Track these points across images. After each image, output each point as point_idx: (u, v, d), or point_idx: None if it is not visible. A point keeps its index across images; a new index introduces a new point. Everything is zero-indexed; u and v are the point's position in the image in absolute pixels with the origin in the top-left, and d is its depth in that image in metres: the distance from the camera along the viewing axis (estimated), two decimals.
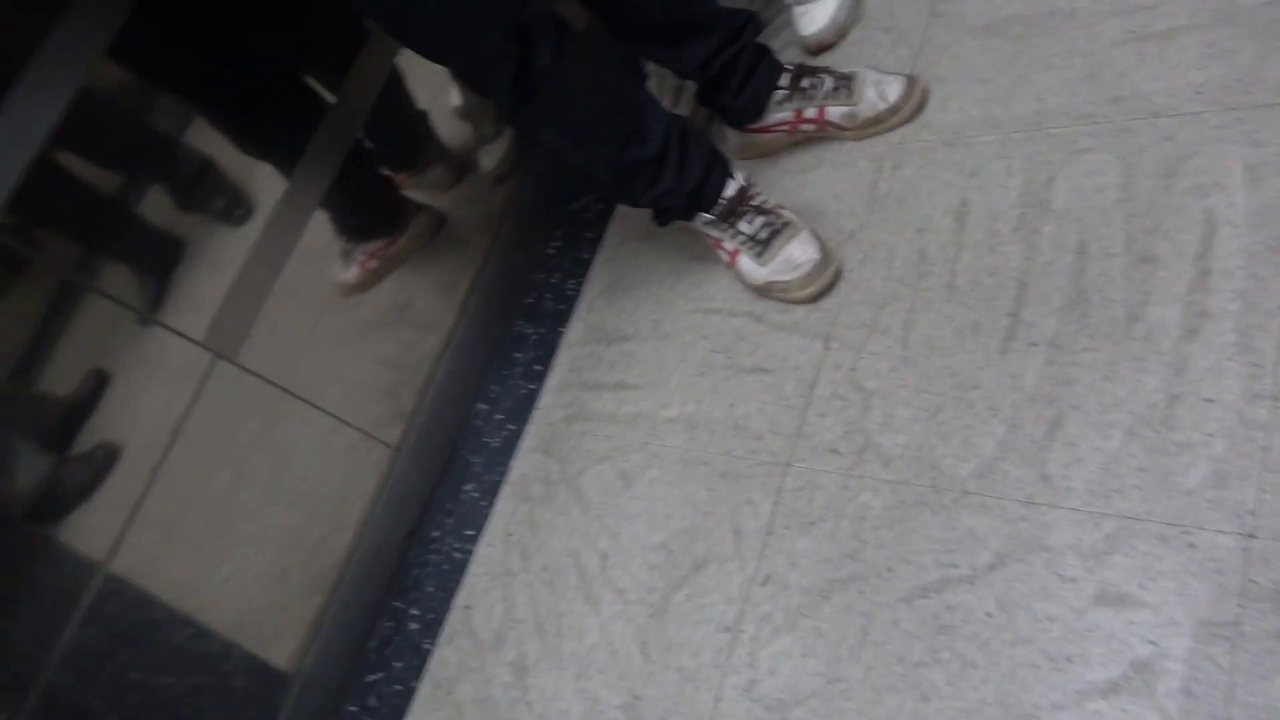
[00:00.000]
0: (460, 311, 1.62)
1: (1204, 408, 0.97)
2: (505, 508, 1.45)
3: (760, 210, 1.31)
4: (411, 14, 1.11)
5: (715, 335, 1.38)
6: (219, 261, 1.34)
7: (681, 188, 1.29)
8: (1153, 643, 0.90)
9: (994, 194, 1.24)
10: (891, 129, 1.38)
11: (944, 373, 1.15)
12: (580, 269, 1.63)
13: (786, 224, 1.31)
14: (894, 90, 1.36)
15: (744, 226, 1.31)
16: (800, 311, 1.31)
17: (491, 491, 1.47)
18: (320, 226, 1.45)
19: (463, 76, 1.21)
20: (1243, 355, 0.98)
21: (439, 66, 1.29)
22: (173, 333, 1.25)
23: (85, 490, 1.24)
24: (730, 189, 1.31)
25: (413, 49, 1.18)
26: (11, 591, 1.18)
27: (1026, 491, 1.03)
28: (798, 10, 1.55)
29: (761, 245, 1.31)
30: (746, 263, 1.33)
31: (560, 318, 1.59)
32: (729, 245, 1.34)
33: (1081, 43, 1.28)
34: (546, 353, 1.57)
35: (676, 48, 1.34)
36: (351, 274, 1.52)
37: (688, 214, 1.33)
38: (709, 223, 1.33)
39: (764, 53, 1.39)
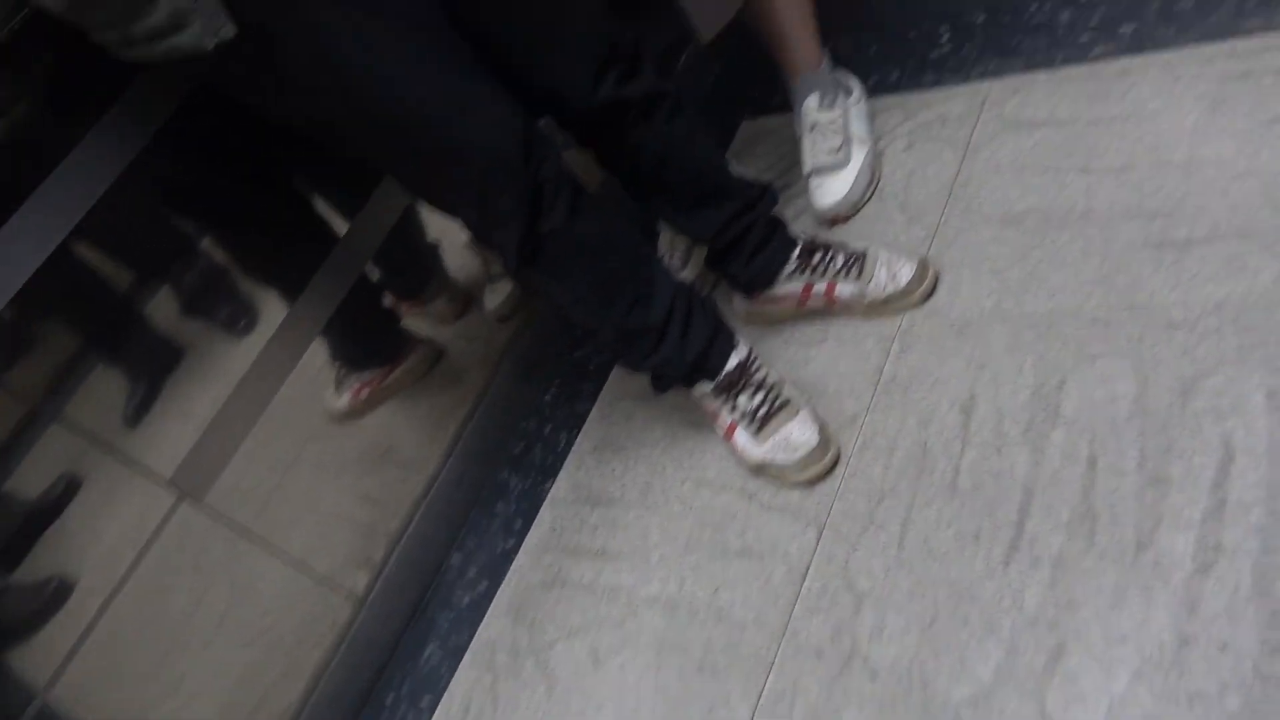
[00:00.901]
0: (447, 453, 1.58)
1: (1217, 656, 0.90)
2: (467, 676, 1.35)
3: (761, 386, 1.27)
4: (420, 167, 1.09)
5: (705, 510, 1.31)
6: (207, 380, 1.31)
7: (683, 357, 1.25)
8: None
9: (1003, 391, 1.19)
10: (901, 311, 1.35)
11: (941, 581, 1.08)
12: (574, 422, 1.58)
13: (786, 402, 1.27)
14: (905, 272, 1.33)
15: (743, 401, 1.27)
16: (795, 495, 1.25)
17: (455, 655, 1.38)
18: (316, 352, 1.42)
19: (468, 229, 1.18)
20: (1261, 600, 0.91)
21: None
22: (140, 469, 1.20)
23: (31, 620, 1.18)
24: (732, 361, 1.28)
25: (420, 199, 1.16)
26: None
27: None
28: (814, 181, 1.55)
29: (760, 423, 1.26)
30: (743, 438, 1.28)
31: (548, 472, 1.54)
32: (726, 418, 1.30)
33: (1097, 243, 1.26)
34: (530, 508, 1.50)
35: (691, 213, 1.33)
36: (343, 402, 1.48)
37: (688, 382, 1.29)
38: (707, 393, 1.29)
39: (777, 225, 1.38)
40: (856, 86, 1.61)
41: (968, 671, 1.00)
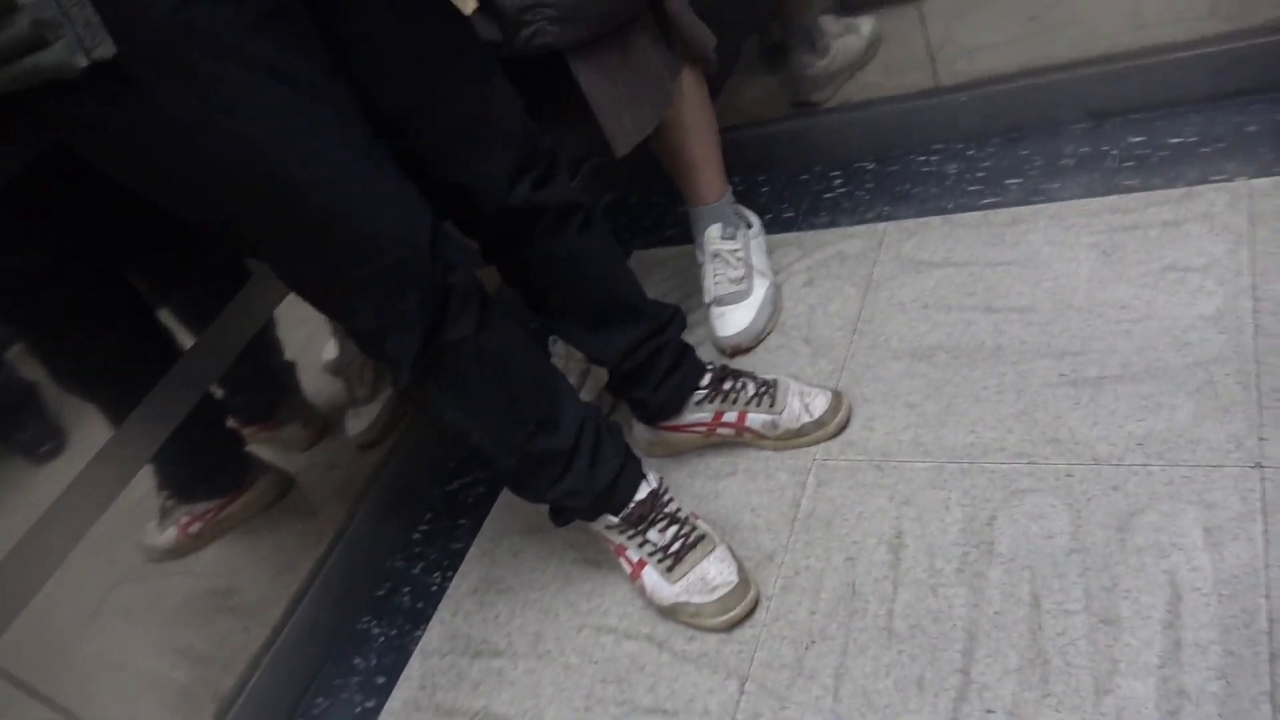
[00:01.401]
0: (296, 598, 1.36)
1: None
2: None
3: (673, 519, 1.16)
4: (317, 256, 0.93)
5: (607, 661, 1.16)
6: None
7: (591, 487, 1.12)
8: None
9: (931, 527, 1.12)
10: (814, 443, 1.28)
11: None
12: (450, 561, 1.40)
13: (702, 537, 1.15)
14: (819, 403, 1.28)
15: (654, 536, 1.15)
16: (711, 641, 1.12)
17: None
18: (139, 478, 1.21)
19: (357, 336, 1.03)
20: None
21: (316, 313, 1.11)
22: None
23: None
24: (642, 492, 1.16)
25: (307, 300, 0.99)
26: None
27: None
28: (715, 310, 1.50)
29: (673, 559, 1.14)
30: (653, 577, 1.15)
31: (417, 618, 1.34)
32: (634, 555, 1.16)
33: (1011, 379, 1.24)
34: (395, 661, 1.30)
35: (599, 333, 1.23)
36: (166, 537, 1.28)
37: (592, 515, 1.16)
38: (614, 527, 1.16)
39: (686, 349, 1.29)
40: (755, 221, 1.59)
41: None
